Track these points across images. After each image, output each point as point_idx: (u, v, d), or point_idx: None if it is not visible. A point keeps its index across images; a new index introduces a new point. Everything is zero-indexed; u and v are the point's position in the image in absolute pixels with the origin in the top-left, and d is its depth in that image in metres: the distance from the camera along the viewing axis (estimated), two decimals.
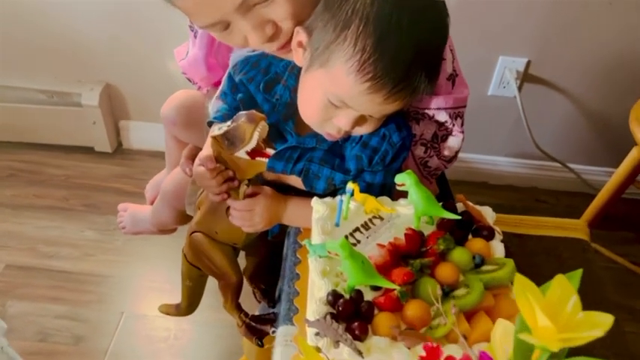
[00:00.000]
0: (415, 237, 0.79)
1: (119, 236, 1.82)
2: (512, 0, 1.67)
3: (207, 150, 0.94)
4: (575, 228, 1.02)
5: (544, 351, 0.46)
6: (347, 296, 0.73)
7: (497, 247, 0.82)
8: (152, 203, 1.37)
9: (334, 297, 0.72)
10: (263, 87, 0.92)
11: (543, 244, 0.99)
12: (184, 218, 1.22)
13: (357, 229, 0.84)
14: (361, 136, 0.90)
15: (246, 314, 1.08)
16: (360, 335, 0.68)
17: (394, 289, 0.73)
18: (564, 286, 0.45)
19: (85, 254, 1.78)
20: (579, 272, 0.49)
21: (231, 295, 1.05)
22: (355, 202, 0.86)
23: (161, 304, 1.22)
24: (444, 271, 0.76)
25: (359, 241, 0.82)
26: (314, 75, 0.82)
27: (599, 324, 0.44)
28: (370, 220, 0.86)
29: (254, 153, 0.88)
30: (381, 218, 0.86)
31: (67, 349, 1.55)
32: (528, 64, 1.78)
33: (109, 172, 2.04)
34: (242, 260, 1.12)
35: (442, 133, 1.00)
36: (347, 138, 0.90)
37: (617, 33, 1.71)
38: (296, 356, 0.80)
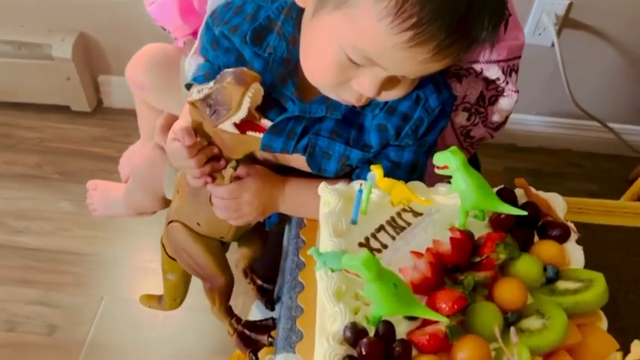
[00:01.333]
0: (465, 242, 0.57)
1: None
2: None
3: (184, 120, 0.73)
4: None
5: None
6: (372, 331, 0.52)
7: (575, 253, 0.61)
8: (127, 181, 1.15)
9: (354, 333, 0.51)
10: (250, 37, 0.69)
11: (619, 237, 0.77)
12: (165, 201, 1.01)
13: (381, 228, 0.62)
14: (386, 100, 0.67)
15: (239, 320, 0.88)
16: None
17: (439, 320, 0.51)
18: None
19: (59, 229, 1.57)
20: None
21: (220, 298, 0.85)
22: (378, 190, 0.64)
23: (142, 294, 1.03)
24: (507, 292, 0.55)
25: (385, 246, 0.60)
26: (325, 20, 0.59)
27: None
28: (399, 214, 0.64)
29: (244, 125, 0.67)
30: (414, 212, 0.64)
31: (39, 340, 1.37)
32: (570, 6, 1.52)
33: (87, 134, 1.82)
34: (232, 252, 0.91)
35: (490, 94, 0.79)
36: (368, 103, 0.67)
37: None
38: None
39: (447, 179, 0.62)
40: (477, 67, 0.74)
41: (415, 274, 0.55)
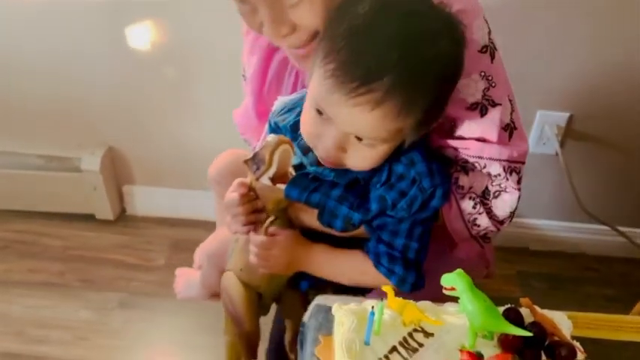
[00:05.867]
0: None
1: (117, 316, 1.63)
2: (546, 49, 1.50)
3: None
4: None
5: None
6: None
7: None
8: (200, 267, 1.25)
9: None
10: (291, 126, 0.88)
11: (629, 354, 0.78)
12: None
13: (394, 349, 0.65)
14: (388, 178, 0.82)
15: None
16: None
17: None
18: None
19: (78, 338, 1.58)
20: None
21: (246, 348, 0.94)
22: (390, 311, 0.67)
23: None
24: None
25: None
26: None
27: None
28: (410, 334, 0.66)
29: (278, 179, 0.86)
30: (425, 332, 0.67)
31: None
32: (570, 118, 1.60)
33: (110, 241, 1.87)
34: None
35: (495, 189, 0.87)
36: (370, 177, 0.82)
37: None
38: None
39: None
40: (481, 162, 0.83)
41: None
